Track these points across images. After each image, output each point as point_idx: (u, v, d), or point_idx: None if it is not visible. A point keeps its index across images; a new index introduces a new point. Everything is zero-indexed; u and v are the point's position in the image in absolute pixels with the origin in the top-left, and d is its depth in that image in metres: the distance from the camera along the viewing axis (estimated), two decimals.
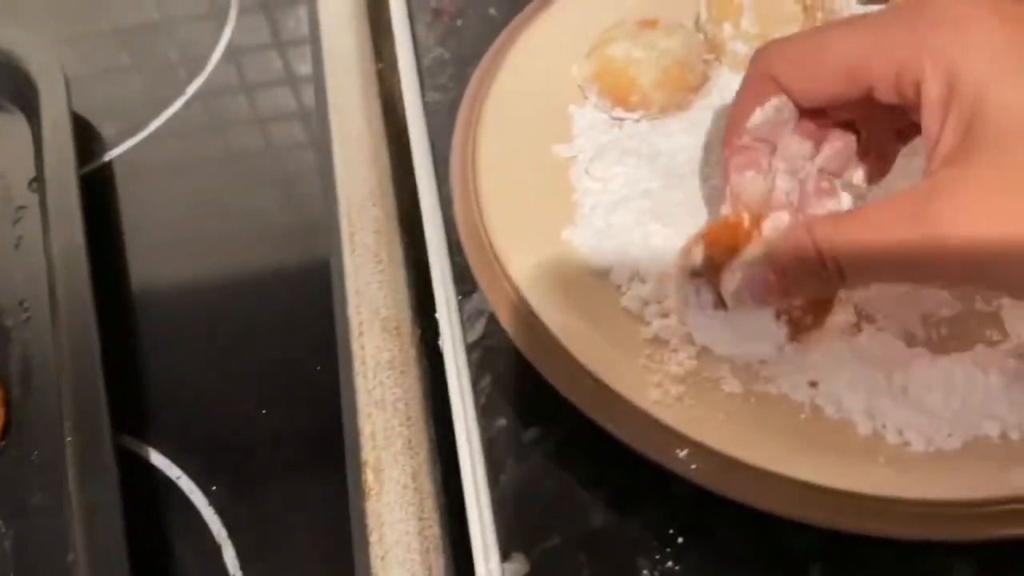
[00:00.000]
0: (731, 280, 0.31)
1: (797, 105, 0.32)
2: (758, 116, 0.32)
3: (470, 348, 0.38)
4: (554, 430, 0.36)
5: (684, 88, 0.42)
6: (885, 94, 0.29)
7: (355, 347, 0.39)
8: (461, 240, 0.38)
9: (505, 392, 0.37)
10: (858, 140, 0.33)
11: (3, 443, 0.39)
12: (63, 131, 0.46)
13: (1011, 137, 0.25)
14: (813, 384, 0.34)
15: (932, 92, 0.27)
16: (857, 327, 0.35)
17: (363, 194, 0.44)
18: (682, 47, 0.42)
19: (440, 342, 0.39)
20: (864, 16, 0.30)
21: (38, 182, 0.46)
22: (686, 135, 0.42)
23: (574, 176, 0.41)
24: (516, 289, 0.36)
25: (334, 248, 0.43)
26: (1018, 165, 0.25)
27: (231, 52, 0.53)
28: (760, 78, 0.32)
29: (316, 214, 0.45)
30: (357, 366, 0.39)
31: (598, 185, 0.40)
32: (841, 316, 0.36)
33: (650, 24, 0.43)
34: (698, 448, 0.31)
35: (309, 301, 0.42)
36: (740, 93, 0.33)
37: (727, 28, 0.42)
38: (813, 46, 0.31)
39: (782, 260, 0.30)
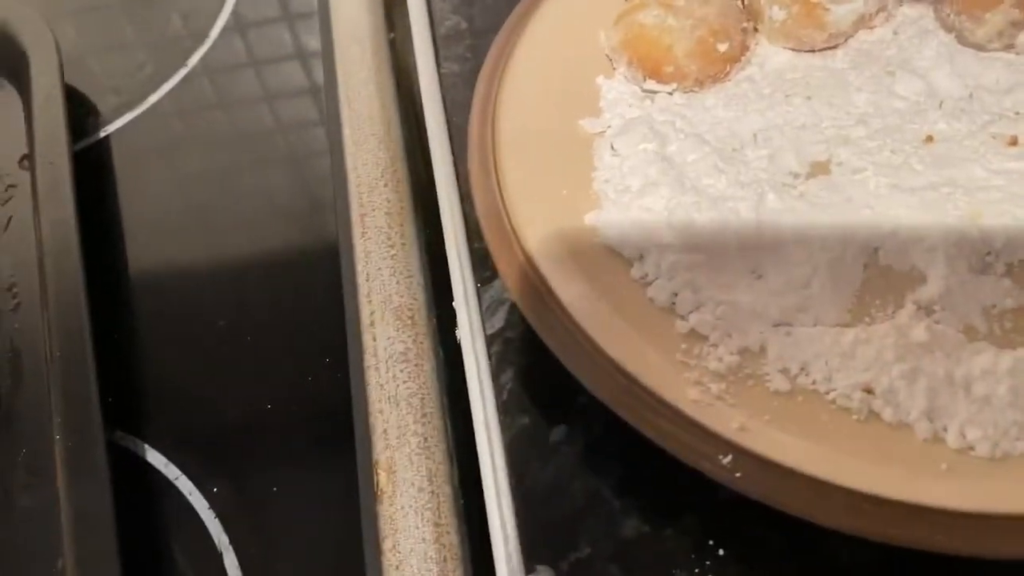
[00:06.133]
0: None
1: None
2: None
3: (490, 340, 0.35)
4: (583, 429, 0.33)
5: (721, 59, 0.39)
6: None
7: (366, 338, 0.37)
8: (480, 222, 0.35)
9: (529, 387, 0.34)
10: None
11: None
12: (55, 105, 0.43)
13: None
14: (868, 390, 0.31)
15: None
16: (915, 321, 0.32)
17: (374, 174, 0.42)
18: (719, 15, 0.39)
19: (457, 333, 0.36)
20: None
21: (29, 159, 0.43)
22: (724, 109, 0.39)
23: (600, 154, 0.38)
24: (541, 277, 0.33)
25: (343, 231, 0.40)
26: None
27: (235, 23, 0.50)
28: None
29: (325, 195, 0.42)
30: (368, 359, 0.36)
31: (626, 165, 0.37)
32: (901, 312, 0.33)
33: None
34: (742, 454, 0.29)
35: (318, 288, 0.40)
36: None
37: None
38: None
39: None
